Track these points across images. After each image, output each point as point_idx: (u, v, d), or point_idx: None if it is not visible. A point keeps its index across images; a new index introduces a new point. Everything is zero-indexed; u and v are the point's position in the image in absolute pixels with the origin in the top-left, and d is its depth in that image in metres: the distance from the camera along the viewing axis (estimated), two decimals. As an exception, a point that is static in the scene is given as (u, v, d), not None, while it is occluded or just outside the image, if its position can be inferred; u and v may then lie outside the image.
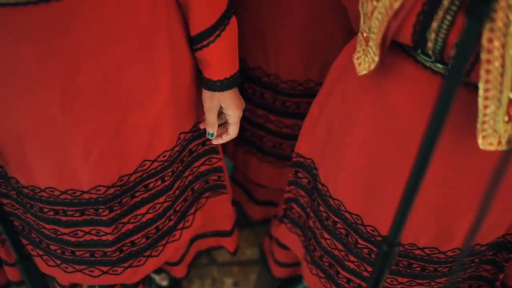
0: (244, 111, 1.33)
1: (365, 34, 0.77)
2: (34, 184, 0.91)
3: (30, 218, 0.98)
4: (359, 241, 0.97)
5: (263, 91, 1.24)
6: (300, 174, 1.09)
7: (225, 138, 1.01)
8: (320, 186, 1.01)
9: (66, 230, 0.97)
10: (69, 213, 0.95)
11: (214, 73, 0.91)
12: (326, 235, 1.05)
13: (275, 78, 1.19)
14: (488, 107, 0.66)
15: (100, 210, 0.94)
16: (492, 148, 0.70)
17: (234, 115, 0.97)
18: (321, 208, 1.03)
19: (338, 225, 1.00)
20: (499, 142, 0.69)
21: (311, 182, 1.07)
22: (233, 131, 1.00)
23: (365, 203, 0.93)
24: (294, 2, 1.09)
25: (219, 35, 0.87)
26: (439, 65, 0.72)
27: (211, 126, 0.98)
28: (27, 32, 0.71)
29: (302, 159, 1.06)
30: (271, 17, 1.13)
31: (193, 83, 0.95)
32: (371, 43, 0.74)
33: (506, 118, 0.67)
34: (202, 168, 1.09)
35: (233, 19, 0.89)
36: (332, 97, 0.95)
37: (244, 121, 1.32)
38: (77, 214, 0.95)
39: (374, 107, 0.84)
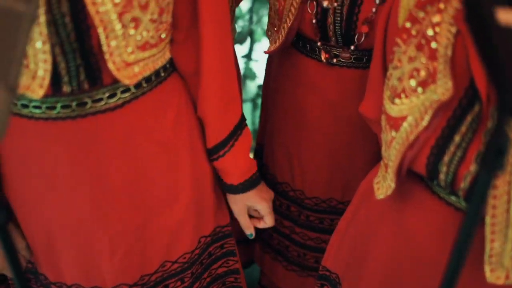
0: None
1: (385, 161, 0.82)
2: (61, 280, 0.94)
3: None
4: None
5: (289, 204, 1.29)
6: (325, 288, 1.12)
7: (263, 225, 1.07)
8: (342, 301, 1.04)
9: None
10: None
11: (234, 178, 0.98)
12: None
13: (300, 193, 1.25)
14: (494, 241, 0.68)
15: None
16: (500, 282, 0.70)
17: (263, 208, 1.02)
18: (343, 322, 1.05)
19: None
20: (507, 277, 0.70)
21: (335, 296, 1.09)
22: (269, 221, 1.05)
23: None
24: (320, 126, 1.16)
25: (233, 145, 0.94)
26: (453, 197, 0.74)
27: (246, 228, 1.04)
28: (63, 139, 0.82)
29: (328, 273, 1.08)
30: (298, 137, 1.20)
31: (213, 189, 1.01)
32: (389, 170, 0.79)
33: None
34: (220, 270, 1.12)
35: (246, 129, 0.97)
36: (358, 215, 0.99)
37: (271, 230, 1.35)
38: None
39: (393, 231, 0.87)
